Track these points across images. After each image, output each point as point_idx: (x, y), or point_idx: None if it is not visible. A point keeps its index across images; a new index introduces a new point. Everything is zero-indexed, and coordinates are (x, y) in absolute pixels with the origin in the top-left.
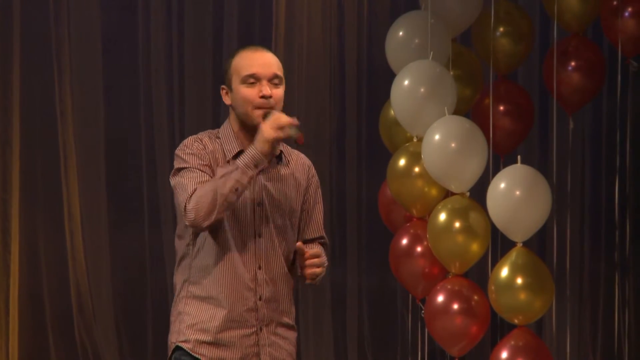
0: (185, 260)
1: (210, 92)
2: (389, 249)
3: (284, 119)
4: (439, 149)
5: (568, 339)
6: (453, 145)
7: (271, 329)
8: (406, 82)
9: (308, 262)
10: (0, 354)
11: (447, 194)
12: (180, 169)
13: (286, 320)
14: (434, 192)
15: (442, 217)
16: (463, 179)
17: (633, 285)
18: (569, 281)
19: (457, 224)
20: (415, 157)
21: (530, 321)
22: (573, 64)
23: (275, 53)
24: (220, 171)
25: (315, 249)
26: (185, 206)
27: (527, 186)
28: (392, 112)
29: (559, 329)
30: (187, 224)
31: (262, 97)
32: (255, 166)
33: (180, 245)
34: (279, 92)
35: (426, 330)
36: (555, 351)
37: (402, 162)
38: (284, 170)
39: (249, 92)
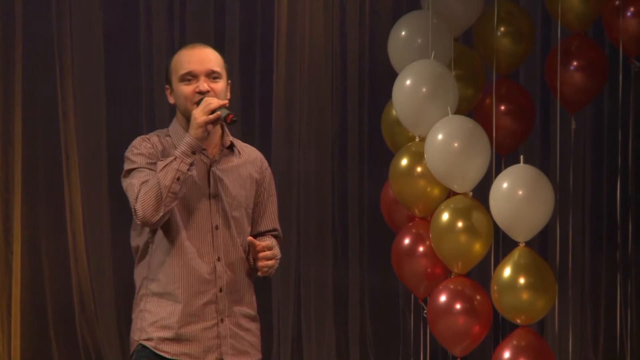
0: (144, 259)
1: None
2: (391, 249)
3: (214, 102)
4: (442, 148)
5: (570, 339)
6: (456, 145)
7: (233, 321)
8: (408, 82)
9: (261, 254)
10: (3, 353)
11: (449, 193)
12: (129, 171)
13: (248, 311)
14: (436, 192)
15: (445, 216)
16: (466, 179)
17: (635, 285)
18: (570, 281)
19: (459, 224)
20: (417, 157)
21: (532, 321)
22: (575, 63)
23: (277, 53)
24: (159, 164)
25: (267, 241)
26: (134, 206)
27: (530, 186)
28: (394, 111)
29: (560, 329)
30: (138, 222)
31: (199, 92)
32: (193, 153)
33: (138, 244)
34: (217, 86)
35: (428, 330)
36: (557, 351)
37: (404, 161)
38: (236, 161)
39: (187, 90)
